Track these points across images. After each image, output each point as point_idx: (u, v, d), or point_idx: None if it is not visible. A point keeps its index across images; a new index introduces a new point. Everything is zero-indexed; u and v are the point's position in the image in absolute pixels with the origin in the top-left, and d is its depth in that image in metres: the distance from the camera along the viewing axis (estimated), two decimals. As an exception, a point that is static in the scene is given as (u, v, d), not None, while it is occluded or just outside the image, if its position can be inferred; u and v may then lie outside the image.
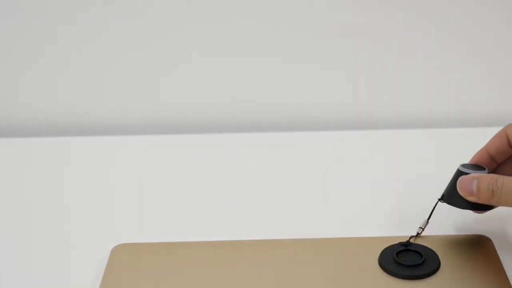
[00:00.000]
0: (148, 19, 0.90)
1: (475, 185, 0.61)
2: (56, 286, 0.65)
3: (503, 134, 0.65)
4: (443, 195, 0.65)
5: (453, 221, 0.67)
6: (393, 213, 0.64)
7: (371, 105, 0.96)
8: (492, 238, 0.66)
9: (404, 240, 0.65)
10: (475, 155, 0.66)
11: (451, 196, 0.64)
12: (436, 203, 0.65)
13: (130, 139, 0.93)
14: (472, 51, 0.93)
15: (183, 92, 0.95)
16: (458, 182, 0.62)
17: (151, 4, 0.89)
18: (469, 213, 0.68)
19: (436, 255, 0.62)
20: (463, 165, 0.65)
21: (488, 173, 0.64)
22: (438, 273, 0.61)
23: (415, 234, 0.65)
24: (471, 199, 0.61)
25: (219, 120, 0.96)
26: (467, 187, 0.61)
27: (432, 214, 0.66)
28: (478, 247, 0.64)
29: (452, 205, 0.64)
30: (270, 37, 0.92)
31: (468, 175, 0.62)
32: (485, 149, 0.66)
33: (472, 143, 0.90)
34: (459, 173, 0.64)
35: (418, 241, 0.65)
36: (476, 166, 0.65)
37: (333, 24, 0.91)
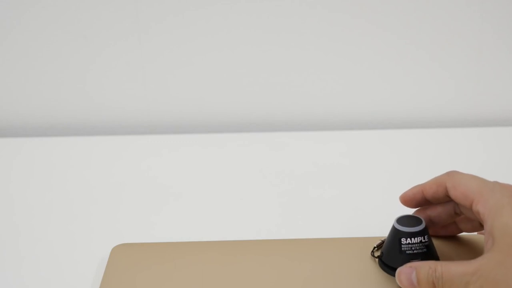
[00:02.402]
0: (149, 21, 0.90)
1: (415, 276, 0.56)
2: (56, 286, 0.65)
3: (442, 183, 0.61)
4: (382, 253, 0.62)
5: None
6: (393, 213, 0.64)
7: (372, 105, 0.96)
8: (492, 238, 0.66)
9: None
10: (411, 189, 0.63)
11: (391, 256, 0.61)
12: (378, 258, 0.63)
13: (128, 139, 0.93)
14: (473, 51, 0.93)
15: (184, 92, 0.95)
16: (396, 275, 0.58)
17: (150, 5, 0.89)
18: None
19: (436, 255, 0.62)
20: (399, 219, 0.62)
21: (421, 211, 0.62)
22: (438, 273, 0.61)
23: None
24: None
25: (219, 120, 0.96)
26: (407, 280, 0.57)
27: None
28: (478, 247, 0.64)
29: (393, 266, 0.60)
30: (270, 38, 0.92)
31: (405, 266, 0.57)
32: (422, 189, 0.62)
33: (473, 143, 0.91)
34: (394, 230, 0.61)
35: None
36: (412, 218, 0.62)
37: (334, 25, 0.91)
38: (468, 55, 0.93)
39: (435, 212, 0.64)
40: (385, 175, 0.83)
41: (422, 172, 0.77)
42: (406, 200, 0.64)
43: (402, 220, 0.62)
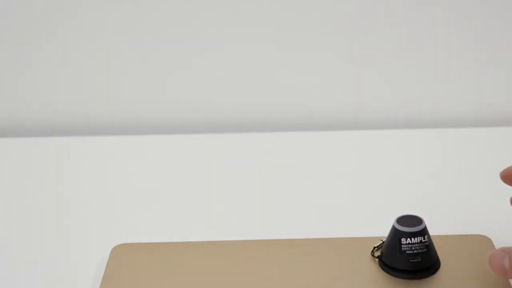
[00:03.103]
0: (149, 21, 0.90)
1: (507, 261, 0.53)
2: (56, 286, 0.65)
3: None
4: (382, 253, 0.63)
5: (453, 221, 0.67)
6: (393, 213, 0.64)
7: (373, 105, 0.96)
8: (492, 238, 0.66)
9: None
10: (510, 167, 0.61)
11: (391, 256, 0.62)
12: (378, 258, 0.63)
13: (129, 139, 0.93)
14: (473, 52, 0.93)
15: (184, 92, 0.95)
16: (489, 258, 0.55)
17: (150, 4, 0.89)
18: (469, 213, 0.68)
19: (436, 255, 0.62)
20: (399, 219, 0.62)
21: None
22: (438, 273, 0.61)
23: None
24: (502, 276, 0.54)
25: (220, 120, 0.96)
26: (498, 264, 0.54)
27: (433, 214, 0.66)
28: (478, 247, 0.64)
29: (393, 266, 0.61)
30: (270, 38, 0.92)
31: (498, 249, 0.55)
32: None
33: (473, 143, 0.91)
34: (394, 230, 0.61)
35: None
36: (412, 218, 0.61)
37: (335, 24, 0.91)
38: (468, 55, 0.93)
39: None
40: (385, 175, 0.83)
41: (422, 172, 0.78)
42: (507, 177, 0.61)
43: (402, 220, 0.62)
